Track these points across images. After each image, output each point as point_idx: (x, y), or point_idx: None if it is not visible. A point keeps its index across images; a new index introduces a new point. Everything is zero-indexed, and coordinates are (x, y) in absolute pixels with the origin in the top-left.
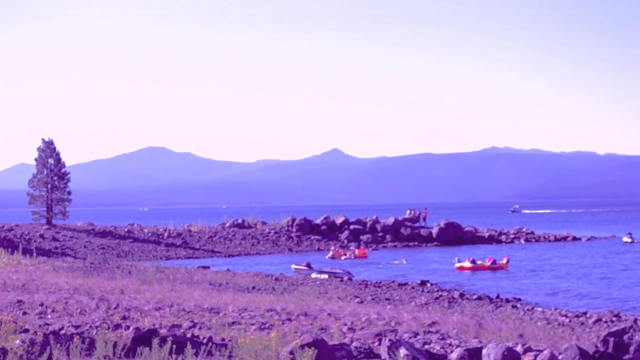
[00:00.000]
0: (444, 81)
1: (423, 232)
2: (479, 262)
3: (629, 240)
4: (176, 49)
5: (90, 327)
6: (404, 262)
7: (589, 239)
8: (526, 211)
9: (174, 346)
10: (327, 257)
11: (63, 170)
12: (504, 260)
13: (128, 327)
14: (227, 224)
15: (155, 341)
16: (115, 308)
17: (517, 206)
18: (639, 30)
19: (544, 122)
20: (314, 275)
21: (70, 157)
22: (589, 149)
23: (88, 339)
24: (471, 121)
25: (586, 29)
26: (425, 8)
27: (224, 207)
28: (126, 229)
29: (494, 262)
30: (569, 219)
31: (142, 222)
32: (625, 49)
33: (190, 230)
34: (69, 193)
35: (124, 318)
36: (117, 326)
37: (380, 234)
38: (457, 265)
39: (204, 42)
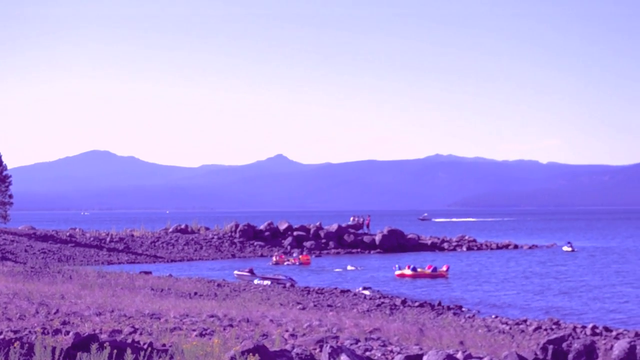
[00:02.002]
0: (389, 88)
1: (366, 239)
2: (419, 269)
3: (569, 249)
4: (120, 52)
5: (30, 332)
6: (359, 269)
7: (530, 247)
8: (437, 219)
9: (114, 352)
10: (270, 263)
11: (4, 173)
12: (444, 268)
13: (68, 333)
14: (170, 229)
15: (94, 347)
16: (55, 313)
17: (426, 214)
18: (579, 40)
19: (488, 131)
20: (256, 281)
21: (12, 160)
22: (532, 158)
23: (27, 344)
24: (415, 128)
25: (526, 38)
26: (367, 14)
27: (167, 212)
28: (68, 233)
29: (435, 269)
30: (512, 227)
31: (84, 227)
32: (566, 59)
33: (132, 235)
34: (10, 196)
35: (64, 323)
36: (57, 331)
37: (324, 241)
38: (398, 272)
39: (148, 47)
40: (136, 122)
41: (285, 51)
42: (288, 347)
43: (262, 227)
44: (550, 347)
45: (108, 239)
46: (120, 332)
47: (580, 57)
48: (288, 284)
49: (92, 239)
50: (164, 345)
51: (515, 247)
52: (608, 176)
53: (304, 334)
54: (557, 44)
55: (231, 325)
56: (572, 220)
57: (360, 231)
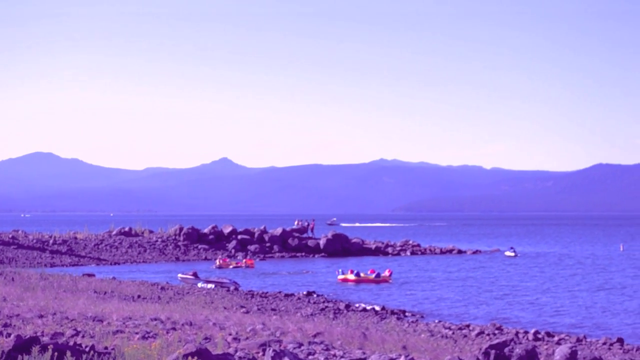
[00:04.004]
0: (334, 92)
1: (310, 243)
2: (362, 274)
3: (512, 254)
4: (63, 55)
5: None
6: (310, 272)
7: (474, 252)
8: (344, 224)
9: (55, 354)
10: (213, 266)
11: None
12: (387, 273)
13: (9, 335)
14: (114, 232)
15: (36, 349)
16: None
17: (334, 219)
18: (524, 46)
19: (433, 136)
20: (200, 284)
21: None
22: (476, 163)
23: None
24: (360, 133)
25: (471, 43)
26: (311, 17)
27: (111, 214)
28: (10, 235)
29: (378, 274)
30: (456, 232)
31: (27, 229)
32: (511, 65)
33: (76, 238)
34: None
35: (5, 326)
36: None
37: (268, 244)
38: (341, 277)
39: (90, 50)
40: (80, 124)
41: (230, 55)
42: (231, 350)
43: (206, 230)
44: (492, 352)
45: (51, 241)
46: (62, 334)
47: (525, 64)
48: (232, 288)
49: (34, 241)
50: (106, 348)
51: (459, 252)
52: (552, 182)
53: (247, 338)
54: (502, 49)
55: (174, 329)
56: (515, 225)
57: (305, 235)
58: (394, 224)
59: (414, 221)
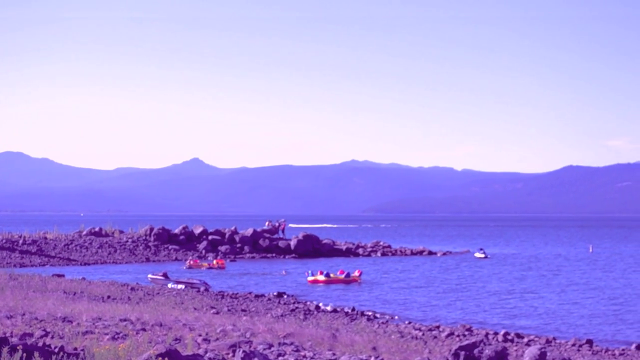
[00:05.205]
0: (305, 93)
1: (281, 243)
2: (332, 275)
3: (482, 255)
4: (36, 54)
5: None
6: (284, 274)
7: (444, 254)
8: (292, 225)
9: (24, 355)
10: (184, 267)
11: None
12: (357, 273)
13: None
14: (84, 232)
15: (5, 350)
16: None
17: (283, 220)
18: (493, 47)
19: (404, 137)
20: (170, 285)
21: None
22: (447, 165)
23: None
24: (331, 134)
25: (442, 43)
26: (281, 17)
27: (81, 214)
28: None
29: (347, 275)
30: (427, 233)
31: None
32: (481, 66)
33: (45, 238)
34: None
35: None
36: None
37: (239, 245)
38: (310, 278)
39: (63, 49)
40: (50, 124)
41: (200, 56)
42: (201, 351)
43: (177, 230)
44: (462, 353)
45: (20, 242)
46: (31, 335)
47: (496, 65)
48: (202, 288)
49: (4, 241)
50: (75, 349)
51: (430, 253)
52: (522, 184)
53: (217, 339)
54: (473, 51)
55: (144, 329)
56: (485, 227)
57: (276, 236)
58: (347, 225)
59: (384, 222)
